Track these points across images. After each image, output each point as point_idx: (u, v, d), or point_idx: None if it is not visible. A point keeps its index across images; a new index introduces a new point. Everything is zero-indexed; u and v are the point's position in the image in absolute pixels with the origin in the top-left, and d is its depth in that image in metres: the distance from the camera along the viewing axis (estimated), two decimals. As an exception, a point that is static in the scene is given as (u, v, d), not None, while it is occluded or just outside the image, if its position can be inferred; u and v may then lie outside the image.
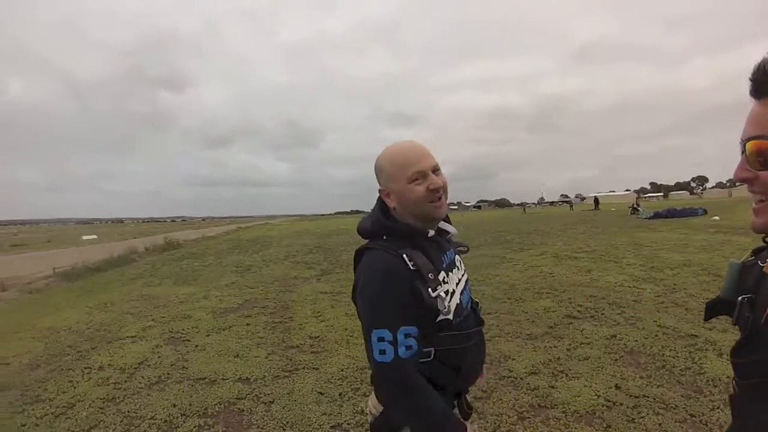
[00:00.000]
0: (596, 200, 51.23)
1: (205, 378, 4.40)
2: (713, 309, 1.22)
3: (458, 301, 1.36)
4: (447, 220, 1.50)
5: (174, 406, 3.82)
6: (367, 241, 1.41)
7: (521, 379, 3.89)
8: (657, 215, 24.39)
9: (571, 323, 5.38)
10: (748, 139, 0.91)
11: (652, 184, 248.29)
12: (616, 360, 4.15)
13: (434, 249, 1.37)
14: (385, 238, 1.35)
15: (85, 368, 4.93)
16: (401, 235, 1.34)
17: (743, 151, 0.93)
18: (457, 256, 1.51)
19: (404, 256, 1.25)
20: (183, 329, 6.23)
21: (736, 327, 1.04)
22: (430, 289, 1.24)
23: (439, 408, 1.26)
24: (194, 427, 3.45)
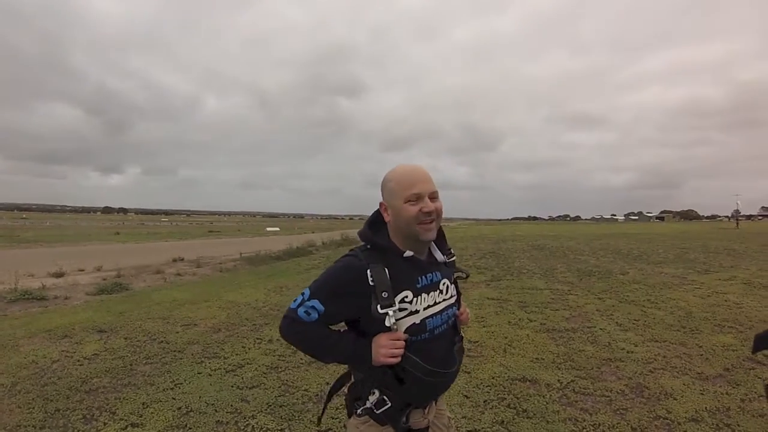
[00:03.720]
0: None
1: (360, 365, 4.86)
2: (763, 341, 1.26)
3: (417, 321, 1.58)
4: (443, 245, 1.78)
5: (327, 383, 4.34)
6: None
7: (679, 424, 3.54)
8: None
9: (753, 369, 4.66)
10: None
11: None
12: (797, 426, 3.51)
13: (408, 268, 1.61)
14: (368, 247, 1.63)
15: (257, 339, 5.86)
16: (379, 249, 1.61)
17: None
18: (445, 280, 1.71)
19: (368, 271, 1.54)
20: (347, 319, 6.88)
21: None
22: (379, 306, 1.51)
23: (337, 345, 1.58)
24: (341, 405, 3.85)
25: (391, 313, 1.52)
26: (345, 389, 1.79)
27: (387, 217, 1.64)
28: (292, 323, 1.60)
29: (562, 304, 7.99)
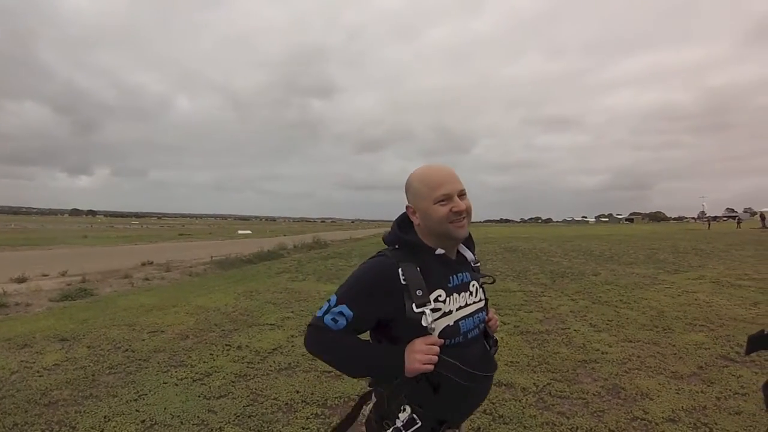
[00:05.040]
0: (762, 216, 44.67)
1: (331, 372, 4.72)
2: (756, 342, 1.31)
3: (451, 323, 1.49)
4: (471, 246, 1.71)
5: (297, 392, 4.21)
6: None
7: (656, 424, 3.53)
8: None
9: (726, 366, 4.73)
10: None
11: None
12: (774, 421, 3.53)
13: (440, 267, 1.54)
14: (397, 247, 1.57)
15: (226, 345, 5.68)
16: (410, 247, 1.55)
17: None
18: (474, 282, 1.64)
19: (399, 269, 1.47)
20: (319, 323, 6.74)
21: None
22: (414, 305, 1.43)
23: (366, 356, 1.50)
24: (311, 414, 3.77)
25: (427, 312, 1.43)
26: (366, 410, 1.63)
27: (416, 220, 1.57)
28: (317, 332, 1.50)
29: (535, 305, 7.99)
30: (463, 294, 1.57)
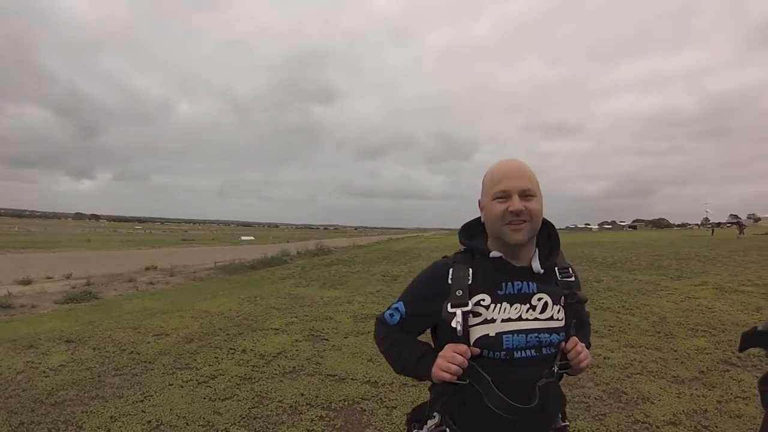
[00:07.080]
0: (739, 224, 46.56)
1: (336, 375, 4.79)
2: (749, 340, 1.35)
3: (491, 334, 1.34)
4: (548, 255, 1.48)
5: (302, 395, 4.26)
6: None
7: (657, 427, 3.58)
8: None
9: (728, 371, 4.78)
10: None
11: None
12: (774, 424, 3.58)
13: (493, 271, 1.42)
14: (464, 249, 1.53)
15: (230, 349, 5.72)
16: (470, 250, 1.50)
17: None
18: (542, 296, 1.41)
19: (450, 270, 1.45)
20: (323, 329, 6.81)
21: None
22: (449, 304, 1.37)
23: (405, 353, 1.50)
24: (316, 416, 3.82)
25: (459, 313, 1.33)
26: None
27: (483, 217, 1.49)
28: (378, 325, 1.61)
29: (538, 311, 7.99)
30: (517, 305, 1.37)
